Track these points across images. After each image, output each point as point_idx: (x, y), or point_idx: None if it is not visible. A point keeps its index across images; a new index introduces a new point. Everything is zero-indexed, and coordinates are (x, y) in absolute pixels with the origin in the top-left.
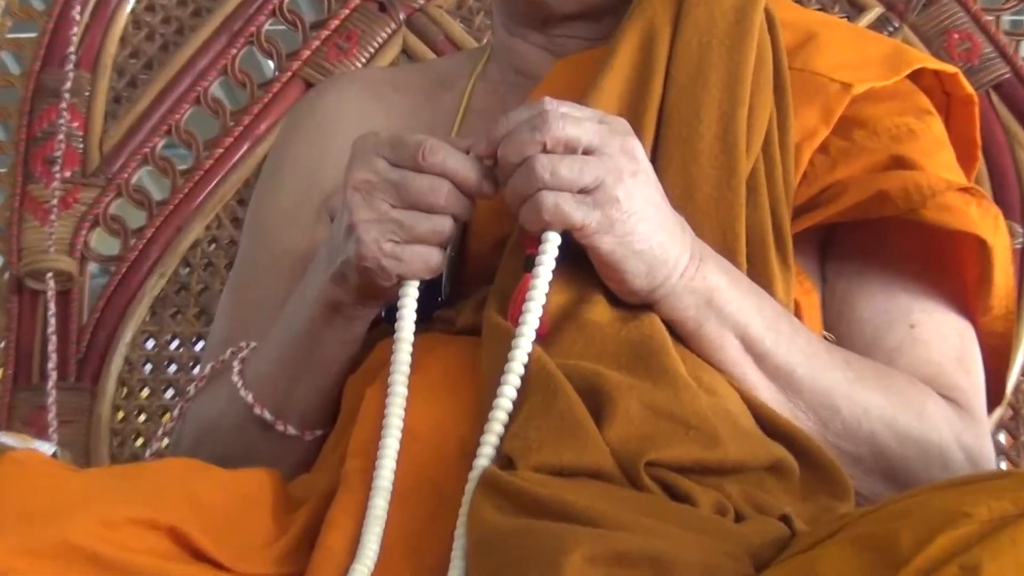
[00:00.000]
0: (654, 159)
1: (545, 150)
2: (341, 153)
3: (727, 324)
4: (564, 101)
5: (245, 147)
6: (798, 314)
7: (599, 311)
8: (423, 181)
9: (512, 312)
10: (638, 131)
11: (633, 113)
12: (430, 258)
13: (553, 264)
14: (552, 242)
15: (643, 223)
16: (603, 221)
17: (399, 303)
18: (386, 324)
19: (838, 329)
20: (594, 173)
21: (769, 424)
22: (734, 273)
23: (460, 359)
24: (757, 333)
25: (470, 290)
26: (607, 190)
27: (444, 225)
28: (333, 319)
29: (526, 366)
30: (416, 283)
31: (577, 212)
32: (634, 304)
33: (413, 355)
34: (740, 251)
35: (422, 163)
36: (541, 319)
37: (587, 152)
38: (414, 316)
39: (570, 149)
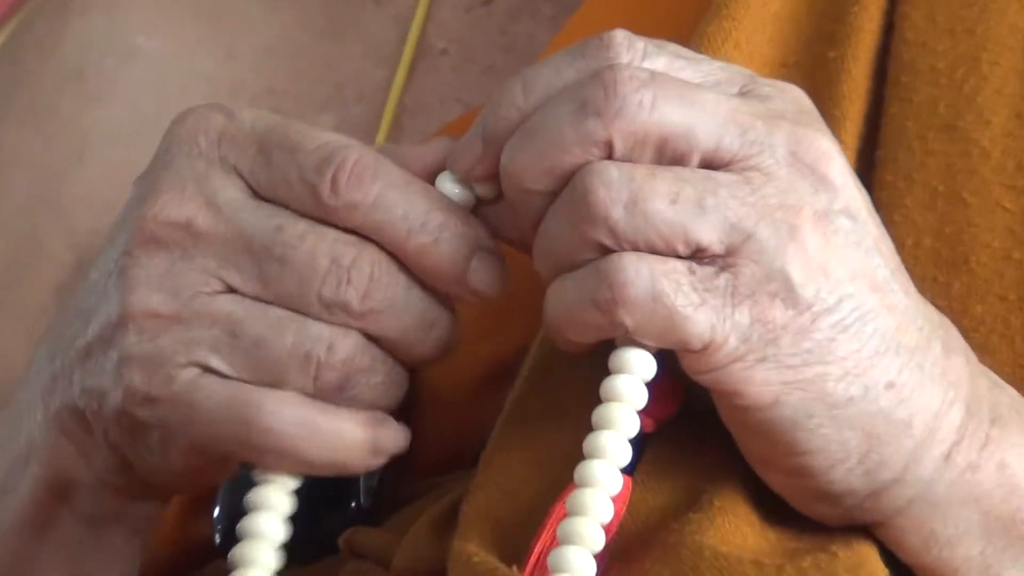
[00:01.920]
0: (865, 162)
1: (612, 154)
2: (120, 128)
3: None
4: (653, 39)
5: None
6: None
7: (736, 529)
8: (322, 246)
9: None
10: (827, 100)
11: (814, 59)
12: (314, 434)
13: (634, 425)
14: (637, 376)
15: (849, 335)
16: (752, 335)
17: (241, 528)
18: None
19: None
20: (731, 214)
21: None
22: None
23: None
24: None
25: (423, 484)
26: (764, 259)
27: (366, 358)
28: (53, 524)
29: None
30: (291, 483)
31: (698, 311)
32: (823, 517)
33: None
34: None
35: (328, 200)
36: (602, 555)
37: (711, 163)
38: (272, 564)
39: (672, 156)
